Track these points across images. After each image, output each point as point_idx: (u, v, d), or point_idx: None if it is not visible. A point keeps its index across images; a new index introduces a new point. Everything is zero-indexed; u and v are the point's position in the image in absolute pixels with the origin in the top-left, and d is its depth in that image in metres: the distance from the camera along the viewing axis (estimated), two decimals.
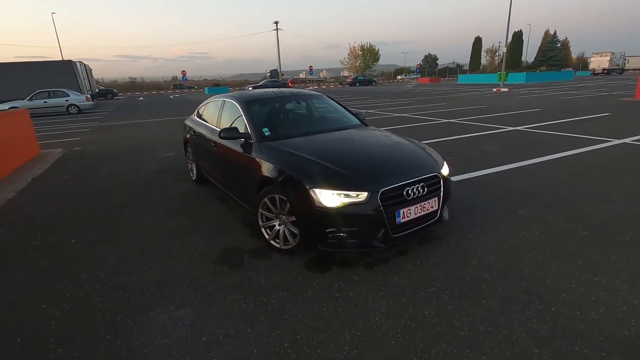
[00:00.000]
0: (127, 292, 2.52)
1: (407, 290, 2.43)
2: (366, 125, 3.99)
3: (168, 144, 8.59)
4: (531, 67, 62.95)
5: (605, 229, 3.18)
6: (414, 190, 2.66)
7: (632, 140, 6.72)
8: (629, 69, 57.02)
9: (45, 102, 18.15)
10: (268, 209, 2.98)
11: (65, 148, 8.56)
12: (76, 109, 18.83)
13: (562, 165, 5.24)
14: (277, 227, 2.97)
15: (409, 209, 2.64)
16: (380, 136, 3.54)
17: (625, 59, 54.08)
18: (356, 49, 64.49)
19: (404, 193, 2.62)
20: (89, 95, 20.93)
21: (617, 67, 51.66)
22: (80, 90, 23.35)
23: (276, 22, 50.89)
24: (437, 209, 2.86)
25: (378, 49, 64.59)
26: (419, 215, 2.71)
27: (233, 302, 2.36)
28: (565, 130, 8.07)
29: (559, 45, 68.98)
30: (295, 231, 2.81)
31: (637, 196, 3.92)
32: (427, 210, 2.76)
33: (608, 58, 50.52)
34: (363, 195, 2.50)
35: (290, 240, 2.87)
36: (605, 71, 50.57)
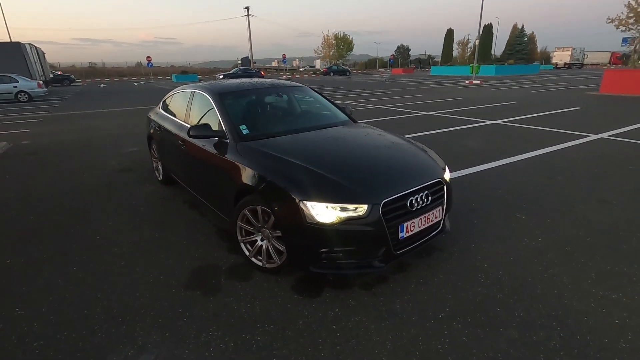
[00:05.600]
0: (74, 332, 2.04)
1: (413, 317, 2.11)
2: (355, 121, 3.62)
3: (132, 137, 7.83)
4: (499, 60, 64.79)
5: (609, 234, 3.02)
6: (418, 199, 2.33)
7: (609, 136, 6.79)
8: (587, 64, 60.24)
9: None
10: (248, 222, 2.56)
11: (10, 141, 7.58)
12: (26, 96, 17.12)
13: (549, 163, 5.13)
14: (259, 243, 2.56)
15: (413, 222, 2.31)
16: (374, 135, 3.17)
17: (584, 54, 56.95)
18: (330, 38, 63.64)
19: (408, 204, 2.28)
20: (41, 82, 19.09)
21: (577, 62, 54.30)
22: (30, 76, 21.28)
23: (247, 8, 49.10)
24: (441, 220, 2.55)
25: (352, 39, 64.08)
26: (423, 227, 2.39)
27: (209, 342, 1.95)
28: (543, 124, 8.10)
29: (526, 39, 71.35)
30: (281, 248, 2.41)
31: (631, 196, 3.83)
32: (431, 221, 2.45)
33: (569, 53, 52.96)
34: (362, 209, 2.14)
35: (275, 258, 2.47)
36: (566, 65, 52.99)
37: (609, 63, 62.97)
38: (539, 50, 79.25)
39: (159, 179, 4.63)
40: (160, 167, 4.52)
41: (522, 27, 71.11)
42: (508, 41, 72.34)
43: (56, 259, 2.84)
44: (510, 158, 5.34)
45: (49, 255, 2.90)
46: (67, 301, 2.32)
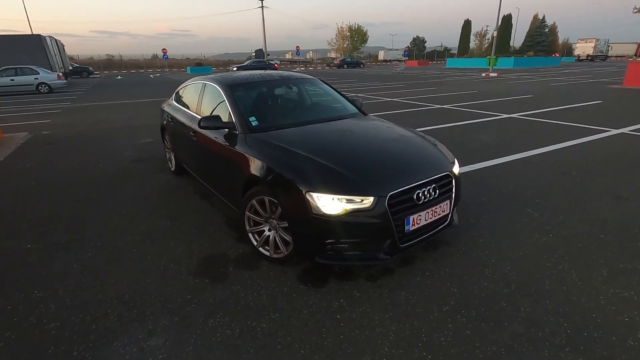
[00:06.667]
0: (88, 315, 2.13)
1: (417, 309, 2.12)
2: (365, 114, 3.60)
3: (146, 128, 7.98)
4: (519, 52, 62.96)
5: (624, 232, 2.94)
6: (425, 193, 2.32)
7: (630, 131, 6.56)
8: (612, 56, 57.94)
9: (12, 79, 16.85)
10: (256, 212, 2.60)
11: (31, 132, 7.84)
12: (47, 87, 17.58)
13: (565, 158, 5.01)
14: (266, 233, 2.60)
15: (419, 215, 2.30)
16: (383, 128, 3.15)
17: (609, 46, 54.76)
18: (344, 29, 63.03)
19: (414, 197, 2.27)
20: (60, 74, 19.54)
21: (601, 54, 52.28)
22: (51, 68, 21.87)
23: None
24: (448, 213, 2.54)
25: (366, 30, 63.25)
26: (429, 221, 2.38)
27: (215, 328, 2.00)
28: (561, 118, 7.87)
29: (547, 30, 69.02)
30: (287, 238, 2.44)
31: None
32: (438, 215, 2.43)
33: (592, 44, 51.00)
34: (368, 201, 2.14)
35: (282, 248, 2.51)
36: (589, 57, 51.09)
37: (635, 55, 60.39)
38: (560, 41, 76.58)
39: (172, 169, 4.72)
40: (172, 157, 4.61)
41: (543, 17, 68.81)
42: (528, 32, 70.13)
43: (72, 245, 2.95)
44: (524, 153, 5.23)
45: (66, 242, 3.02)
46: (81, 285, 2.41)
